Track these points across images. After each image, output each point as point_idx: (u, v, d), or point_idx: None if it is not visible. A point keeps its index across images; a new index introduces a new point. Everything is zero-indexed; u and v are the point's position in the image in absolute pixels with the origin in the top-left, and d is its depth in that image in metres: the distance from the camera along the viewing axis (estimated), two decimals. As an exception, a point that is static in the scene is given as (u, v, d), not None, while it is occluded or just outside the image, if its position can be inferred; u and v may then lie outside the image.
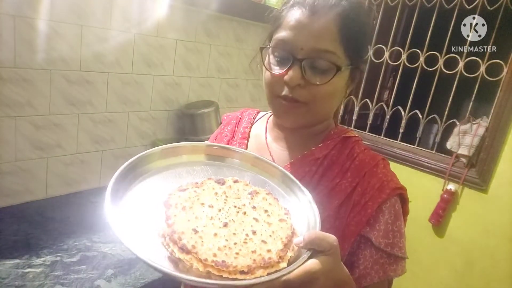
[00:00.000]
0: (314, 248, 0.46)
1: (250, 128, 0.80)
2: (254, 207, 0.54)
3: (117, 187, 0.50)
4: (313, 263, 0.44)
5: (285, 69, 0.61)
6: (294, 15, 0.61)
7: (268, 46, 0.66)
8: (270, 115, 0.81)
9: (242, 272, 0.43)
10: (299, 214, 0.56)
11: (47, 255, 1.06)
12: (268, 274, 0.43)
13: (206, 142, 0.67)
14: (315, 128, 0.71)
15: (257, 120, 0.83)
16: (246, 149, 0.76)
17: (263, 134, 0.78)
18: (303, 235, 0.48)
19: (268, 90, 0.66)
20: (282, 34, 0.62)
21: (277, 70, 0.63)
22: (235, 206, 0.53)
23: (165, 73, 1.65)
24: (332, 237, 0.47)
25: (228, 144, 0.78)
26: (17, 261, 1.01)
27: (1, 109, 1.19)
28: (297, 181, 0.60)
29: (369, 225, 0.62)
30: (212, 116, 1.74)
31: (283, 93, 0.63)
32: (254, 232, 0.49)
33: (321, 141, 0.70)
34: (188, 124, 1.73)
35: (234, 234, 0.48)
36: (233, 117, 0.85)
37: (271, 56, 0.65)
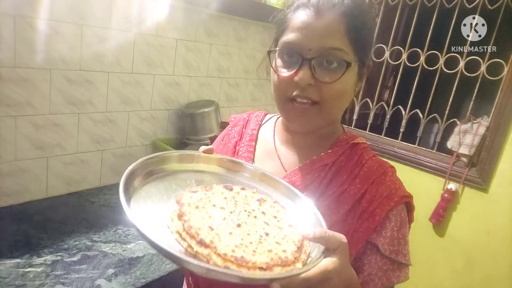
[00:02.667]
0: (322, 244, 0.47)
1: (258, 130, 0.80)
2: (263, 213, 0.54)
3: (129, 182, 0.50)
4: (329, 262, 0.45)
5: (294, 71, 0.61)
6: (300, 17, 0.61)
7: (276, 49, 0.66)
8: (278, 117, 0.80)
9: (261, 269, 0.43)
10: (306, 225, 0.56)
11: (48, 254, 1.06)
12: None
13: (218, 155, 0.67)
14: (323, 131, 0.71)
15: (264, 122, 0.82)
16: (254, 151, 0.76)
17: (271, 137, 0.78)
18: (312, 230, 0.49)
19: (278, 93, 0.65)
20: (289, 36, 0.62)
21: (286, 73, 0.63)
22: (245, 210, 0.53)
23: (165, 72, 1.65)
24: (340, 235, 0.48)
25: (235, 145, 0.78)
26: (17, 260, 1.01)
27: (1, 109, 1.18)
28: (302, 195, 0.60)
29: (376, 231, 0.63)
30: (212, 115, 1.74)
31: (294, 93, 0.62)
32: (267, 234, 0.49)
33: (330, 147, 0.70)
34: (189, 124, 1.73)
35: (248, 234, 0.48)
36: (240, 118, 0.84)
37: (279, 60, 0.65)
